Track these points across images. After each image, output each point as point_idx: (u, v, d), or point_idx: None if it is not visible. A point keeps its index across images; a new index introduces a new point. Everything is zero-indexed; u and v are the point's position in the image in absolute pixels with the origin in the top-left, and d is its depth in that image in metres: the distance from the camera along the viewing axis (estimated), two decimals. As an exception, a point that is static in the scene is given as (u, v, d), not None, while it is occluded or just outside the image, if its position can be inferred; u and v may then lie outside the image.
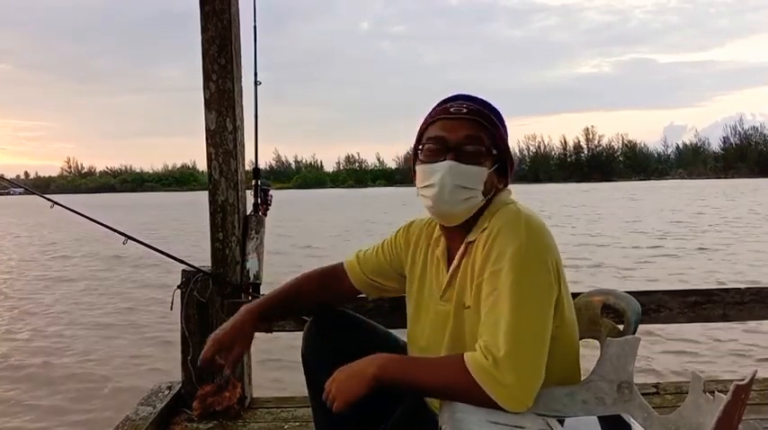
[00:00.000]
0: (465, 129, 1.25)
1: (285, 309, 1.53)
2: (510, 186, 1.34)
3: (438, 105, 1.33)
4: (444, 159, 1.23)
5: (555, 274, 1.19)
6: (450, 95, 1.34)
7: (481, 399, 1.10)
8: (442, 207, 1.26)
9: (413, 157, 1.34)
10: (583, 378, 1.26)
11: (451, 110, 1.27)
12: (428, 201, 1.27)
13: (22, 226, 24.06)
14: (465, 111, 1.26)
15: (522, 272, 1.15)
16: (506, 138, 1.31)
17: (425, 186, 1.27)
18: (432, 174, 1.25)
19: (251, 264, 2.44)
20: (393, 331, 1.62)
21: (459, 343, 1.27)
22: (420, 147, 1.30)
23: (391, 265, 1.49)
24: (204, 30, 2.40)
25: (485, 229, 1.24)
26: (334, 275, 1.55)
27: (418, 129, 1.35)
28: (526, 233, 1.18)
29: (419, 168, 1.29)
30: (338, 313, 1.52)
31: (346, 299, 1.60)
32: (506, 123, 1.34)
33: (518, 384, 1.08)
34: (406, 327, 1.48)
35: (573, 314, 1.31)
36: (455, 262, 1.30)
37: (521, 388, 1.09)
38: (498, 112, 1.32)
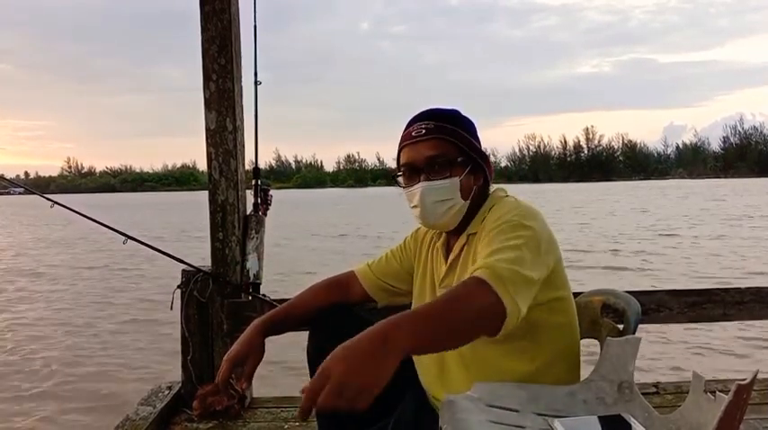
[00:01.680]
0: (427, 150, 1.35)
1: (294, 320, 1.54)
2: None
3: (404, 130, 1.43)
4: (418, 181, 1.36)
5: (555, 248, 1.26)
6: (416, 114, 1.43)
7: (494, 314, 1.05)
8: (429, 221, 1.39)
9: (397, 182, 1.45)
10: (583, 378, 1.26)
11: (413, 134, 1.38)
12: (418, 220, 1.42)
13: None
14: (424, 132, 1.36)
15: (523, 225, 1.22)
16: (473, 141, 1.40)
17: (412, 207, 1.40)
18: (412, 198, 1.39)
19: (251, 264, 2.44)
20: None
21: None
22: (399, 173, 1.43)
23: (402, 266, 1.57)
24: (204, 30, 2.40)
25: (484, 220, 1.32)
26: (343, 284, 1.59)
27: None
28: (526, 210, 1.27)
29: (403, 192, 1.42)
30: (345, 310, 1.54)
31: (354, 306, 1.63)
32: (474, 125, 1.43)
33: (518, 293, 1.08)
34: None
35: (572, 305, 1.34)
36: (455, 251, 1.38)
37: (520, 297, 1.08)
38: (461, 119, 1.41)
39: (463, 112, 1.44)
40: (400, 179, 1.43)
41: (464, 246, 1.37)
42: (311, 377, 1.47)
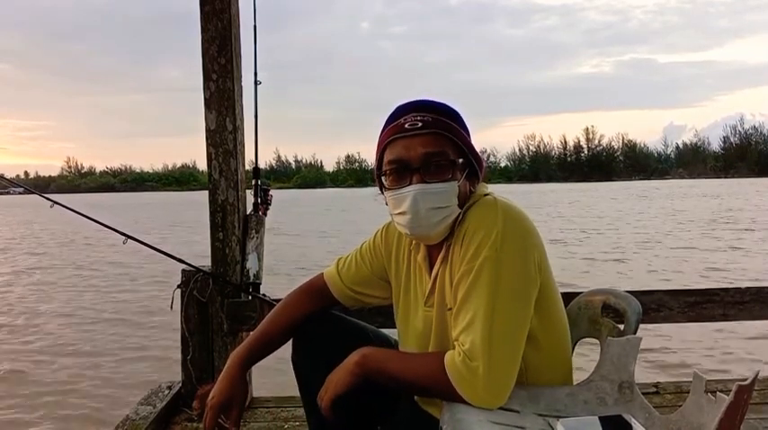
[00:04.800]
0: (425, 146, 1.18)
1: (275, 341, 1.47)
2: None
3: (390, 120, 1.25)
4: (410, 183, 1.19)
5: (535, 266, 1.17)
6: (401, 105, 1.26)
7: (453, 396, 1.12)
8: (419, 232, 1.23)
9: (378, 183, 1.29)
10: (581, 378, 1.26)
11: (406, 125, 1.20)
12: (404, 229, 1.25)
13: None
14: (420, 125, 1.19)
15: (499, 267, 1.12)
16: (470, 141, 1.25)
17: (397, 214, 1.24)
18: (401, 202, 1.20)
19: (251, 264, 2.44)
20: (392, 331, 1.61)
21: (444, 345, 1.25)
22: (383, 172, 1.24)
23: (373, 272, 1.45)
24: (204, 30, 2.40)
25: (462, 224, 1.21)
26: (316, 291, 1.50)
27: (377, 146, 1.28)
28: (503, 223, 1.14)
29: (387, 195, 1.25)
30: (326, 315, 1.49)
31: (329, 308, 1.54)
32: (466, 123, 1.28)
33: (488, 387, 1.09)
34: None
35: (561, 308, 1.29)
36: (436, 266, 1.27)
37: (491, 391, 1.10)
38: (457, 114, 1.26)
39: (461, 110, 1.29)
40: (384, 179, 1.24)
41: (444, 259, 1.25)
42: (299, 384, 1.48)
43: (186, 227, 19.76)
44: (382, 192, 1.29)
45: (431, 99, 1.27)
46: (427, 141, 1.19)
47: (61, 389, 4.50)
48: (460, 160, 1.21)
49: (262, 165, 2.58)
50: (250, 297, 2.43)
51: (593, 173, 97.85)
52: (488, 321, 1.10)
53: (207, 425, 1.35)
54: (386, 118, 1.28)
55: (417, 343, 1.35)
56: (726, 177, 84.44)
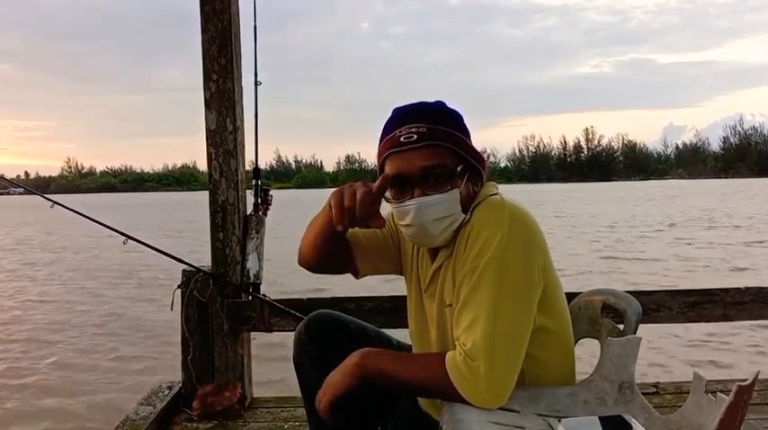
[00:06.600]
0: (422, 159, 1.18)
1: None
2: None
3: (387, 130, 1.25)
4: (411, 196, 1.19)
5: (539, 269, 1.17)
6: (396, 111, 1.25)
7: (454, 396, 1.13)
8: (425, 241, 1.25)
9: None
10: (581, 378, 1.26)
11: (402, 139, 1.19)
12: (409, 238, 1.28)
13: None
14: (416, 137, 1.18)
15: (502, 268, 1.13)
16: (469, 142, 1.25)
17: (403, 225, 1.25)
18: (405, 215, 1.21)
19: (251, 264, 2.44)
20: (393, 331, 1.62)
21: (445, 338, 1.28)
22: None
23: (392, 238, 1.43)
24: (204, 30, 2.40)
25: (467, 223, 1.21)
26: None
27: (377, 156, 1.27)
28: (509, 224, 1.14)
29: (391, 208, 1.25)
30: (328, 316, 1.50)
31: (342, 266, 1.44)
32: (462, 118, 1.26)
33: (490, 386, 1.10)
34: (406, 327, 1.48)
35: (565, 309, 1.30)
36: (439, 259, 1.28)
37: (492, 390, 1.10)
38: (452, 116, 1.25)
39: (461, 110, 1.28)
40: (387, 192, 1.21)
41: (447, 253, 1.25)
42: (300, 385, 1.48)
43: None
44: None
45: (426, 102, 1.27)
46: (424, 154, 1.19)
47: (60, 390, 4.50)
48: (459, 167, 1.21)
49: (262, 165, 2.58)
50: (250, 297, 2.43)
51: (593, 173, 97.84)
52: (491, 321, 1.11)
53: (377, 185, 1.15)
54: (385, 119, 1.28)
55: (420, 327, 1.37)
56: (726, 177, 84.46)
